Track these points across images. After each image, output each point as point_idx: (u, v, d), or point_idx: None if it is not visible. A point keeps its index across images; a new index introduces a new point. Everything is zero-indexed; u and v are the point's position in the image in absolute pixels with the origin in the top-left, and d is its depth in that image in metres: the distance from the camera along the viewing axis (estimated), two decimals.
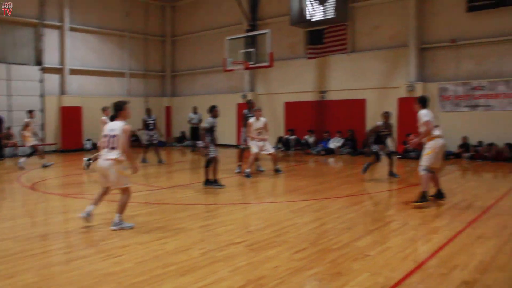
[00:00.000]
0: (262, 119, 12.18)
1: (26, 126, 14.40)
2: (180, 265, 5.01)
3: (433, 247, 5.50)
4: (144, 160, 15.23)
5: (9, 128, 18.44)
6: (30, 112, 14.96)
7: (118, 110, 6.76)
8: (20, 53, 19.88)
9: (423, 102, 8.46)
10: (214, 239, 6.04)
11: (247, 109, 13.15)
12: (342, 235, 6.13)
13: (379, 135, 11.42)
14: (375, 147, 11.41)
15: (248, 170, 11.83)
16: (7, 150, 18.44)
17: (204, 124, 10.49)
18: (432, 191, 8.16)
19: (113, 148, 6.50)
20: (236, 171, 12.75)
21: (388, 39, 17.58)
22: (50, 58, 20.73)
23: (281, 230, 6.43)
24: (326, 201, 8.59)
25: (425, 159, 7.84)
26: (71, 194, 10.02)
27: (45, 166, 14.42)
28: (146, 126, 15.67)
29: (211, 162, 10.25)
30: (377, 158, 11.49)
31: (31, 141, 14.35)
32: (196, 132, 20.07)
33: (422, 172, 7.84)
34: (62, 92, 21.07)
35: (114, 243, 5.95)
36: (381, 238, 5.96)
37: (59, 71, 21.08)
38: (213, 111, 10.57)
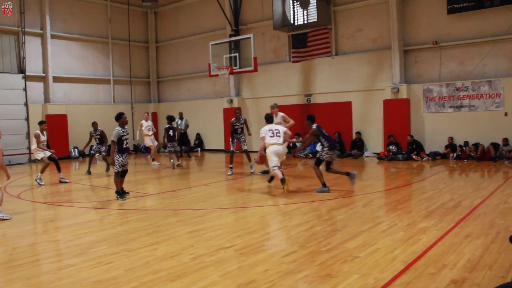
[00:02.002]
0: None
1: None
2: (170, 271, 4.99)
3: (422, 247, 5.55)
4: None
5: None
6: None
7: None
8: (2, 61, 19.64)
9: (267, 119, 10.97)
10: (203, 244, 6.02)
11: (234, 118, 13.49)
12: (331, 237, 6.15)
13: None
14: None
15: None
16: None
17: (112, 138, 9.51)
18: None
19: None
20: (228, 174, 13.10)
21: (371, 41, 17.73)
22: (33, 66, 20.51)
23: (271, 233, 6.44)
24: (315, 203, 8.62)
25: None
26: (59, 202, 9.92)
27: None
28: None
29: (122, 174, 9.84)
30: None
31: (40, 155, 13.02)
32: (182, 137, 20.06)
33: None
34: (47, 100, 20.86)
35: (103, 250, 5.91)
36: (370, 239, 5.99)
37: (42, 79, 20.88)
38: (120, 119, 9.70)
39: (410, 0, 16.72)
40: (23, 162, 19.62)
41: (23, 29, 20.03)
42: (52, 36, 21.07)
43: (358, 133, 17.78)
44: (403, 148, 16.18)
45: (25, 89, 19.95)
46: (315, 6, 17.55)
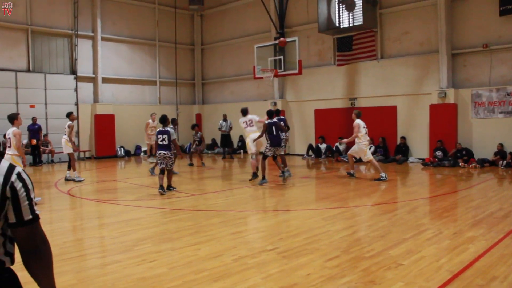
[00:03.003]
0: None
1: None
2: (212, 271, 5.05)
3: (469, 257, 5.38)
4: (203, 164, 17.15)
5: (45, 135, 18.97)
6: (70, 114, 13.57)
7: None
8: (55, 63, 20.46)
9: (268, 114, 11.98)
10: (246, 246, 6.06)
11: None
12: (375, 243, 6.07)
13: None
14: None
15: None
16: (44, 157, 19.03)
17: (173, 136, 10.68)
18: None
19: None
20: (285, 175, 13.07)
21: (418, 45, 17.35)
22: (84, 67, 21.27)
23: (313, 237, 6.41)
24: (358, 208, 8.53)
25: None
26: (105, 200, 10.22)
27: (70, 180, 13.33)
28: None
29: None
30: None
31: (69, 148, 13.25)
32: (226, 139, 20.27)
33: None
34: (96, 100, 21.55)
35: (147, 248, 6.05)
36: (415, 247, 5.87)
37: (92, 79, 21.59)
38: (173, 122, 11.59)
39: (459, 1, 16.28)
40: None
41: (76, 32, 20.79)
42: (103, 39, 21.75)
43: (403, 138, 17.43)
44: (450, 154, 15.75)
45: (76, 90, 20.72)
46: (361, 9, 17.33)
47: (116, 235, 6.87)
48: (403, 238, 6.32)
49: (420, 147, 17.22)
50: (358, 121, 12.69)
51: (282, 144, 12.00)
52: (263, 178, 11.46)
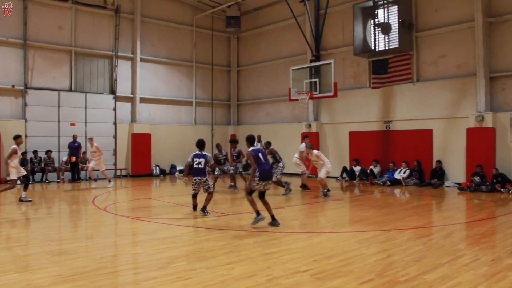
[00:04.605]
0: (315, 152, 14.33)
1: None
2: None
3: (508, 285, 5.25)
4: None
5: (84, 153, 19.54)
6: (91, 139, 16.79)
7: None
8: (96, 82, 21.19)
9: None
10: (279, 267, 6.09)
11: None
12: (409, 268, 6.00)
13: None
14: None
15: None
16: (82, 174, 19.58)
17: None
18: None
19: None
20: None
21: (455, 68, 17.16)
22: (123, 87, 21.93)
23: (347, 260, 6.39)
24: (393, 232, 8.44)
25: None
26: (141, 217, 10.43)
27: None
28: (218, 161, 16.00)
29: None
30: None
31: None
32: None
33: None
34: (133, 119, 22.10)
35: (182, 266, 6.16)
36: (451, 272, 5.78)
37: (130, 99, 22.19)
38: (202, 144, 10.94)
39: (497, 24, 16.06)
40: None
41: (116, 53, 21.53)
42: (141, 60, 22.40)
43: (439, 161, 17.14)
44: (487, 179, 15.39)
45: (114, 109, 21.36)
46: (397, 32, 17.33)
47: (151, 252, 7.01)
48: (438, 263, 6.23)
49: (456, 171, 16.90)
50: (317, 152, 14.51)
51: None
52: (257, 214, 9.06)
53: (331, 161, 19.58)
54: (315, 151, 14.44)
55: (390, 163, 18.25)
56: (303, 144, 15.61)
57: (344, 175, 19.53)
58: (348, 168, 19.61)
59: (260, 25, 24.79)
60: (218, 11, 24.44)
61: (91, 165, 17.48)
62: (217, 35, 25.40)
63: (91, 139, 17.57)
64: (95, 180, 18.26)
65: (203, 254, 6.82)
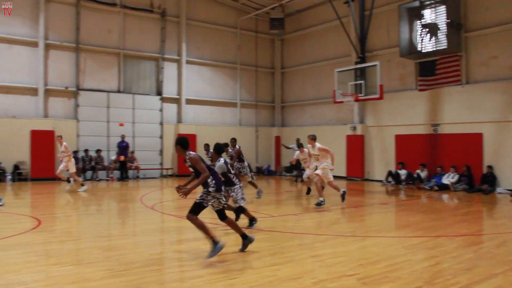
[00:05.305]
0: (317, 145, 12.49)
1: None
2: None
3: None
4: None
5: (132, 152, 20.06)
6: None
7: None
8: (143, 84, 21.72)
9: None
10: (325, 270, 6.05)
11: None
12: (460, 276, 5.82)
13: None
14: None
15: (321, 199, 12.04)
16: (130, 173, 20.14)
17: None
18: None
19: None
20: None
21: (508, 69, 16.51)
22: (169, 88, 22.39)
23: (394, 265, 6.27)
24: (441, 239, 8.23)
25: None
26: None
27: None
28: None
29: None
30: None
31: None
32: (299, 162, 20.25)
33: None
34: (179, 120, 22.49)
35: (229, 266, 6.21)
36: (506, 283, 5.55)
37: (176, 100, 22.61)
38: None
39: None
40: (155, 177, 21.29)
41: (162, 56, 22.01)
42: (187, 62, 22.81)
43: (490, 167, 16.55)
44: None
45: (161, 110, 21.88)
46: (445, 33, 16.88)
47: (197, 251, 7.09)
48: (491, 273, 6.01)
49: (509, 177, 16.24)
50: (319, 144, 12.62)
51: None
52: (214, 243, 6.52)
53: (376, 164, 19.26)
54: (317, 144, 12.68)
55: (438, 168, 17.78)
56: (298, 152, 15.64)
57: (390, 178, 19.18)
58: (393, 172, 19.26)
59: (304, 27, 24.73)
60: (262, 13, 24.58)
61: (60, 167, 15.55)
62: (261, 37, 25.52)
63: (60, 137, 15.60)
64: (68, 181, 15.60)
65: (249, 255, 6.86)
